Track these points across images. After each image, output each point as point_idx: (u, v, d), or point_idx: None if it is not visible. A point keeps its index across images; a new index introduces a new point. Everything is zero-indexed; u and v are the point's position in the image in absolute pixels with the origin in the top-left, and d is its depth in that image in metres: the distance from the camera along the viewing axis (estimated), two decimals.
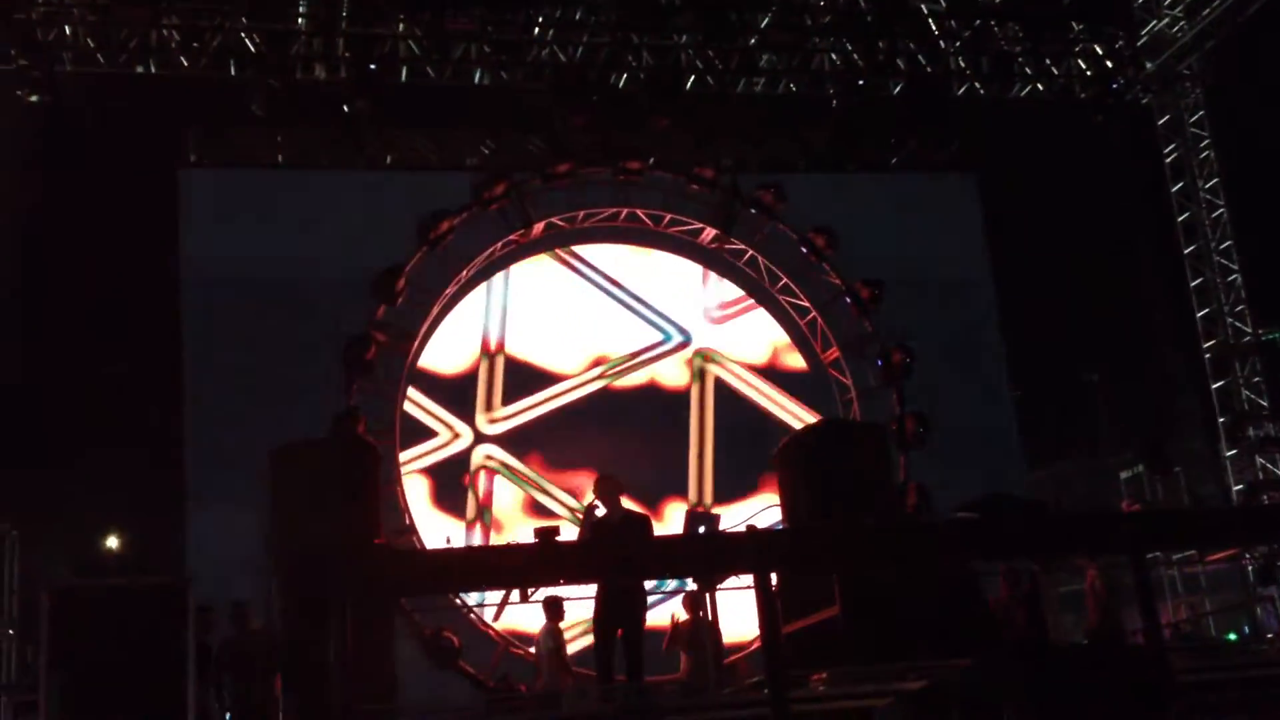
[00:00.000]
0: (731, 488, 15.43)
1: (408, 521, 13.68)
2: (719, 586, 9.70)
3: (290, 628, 8.60)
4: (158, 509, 13.82)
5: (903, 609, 9.24)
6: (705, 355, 16.12)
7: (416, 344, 14.23)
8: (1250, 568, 15.48)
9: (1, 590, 12.50)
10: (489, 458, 15.17)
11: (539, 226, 14.86)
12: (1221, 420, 17.95)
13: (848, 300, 14.88)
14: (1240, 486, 17.45)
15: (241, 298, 15.17)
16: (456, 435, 15.13)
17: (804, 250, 15.01)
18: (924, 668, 6.76)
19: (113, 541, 11.90)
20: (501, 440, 15.25)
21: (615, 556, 9.22)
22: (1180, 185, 18.72)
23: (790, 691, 7.72)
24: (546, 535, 9.50)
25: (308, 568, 8.10)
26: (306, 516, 9.08)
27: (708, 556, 8.88)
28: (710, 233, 15.37)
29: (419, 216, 13.85)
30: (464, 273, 14.74)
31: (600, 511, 9.74)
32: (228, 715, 10.02)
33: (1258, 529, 9.75)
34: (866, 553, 8.97)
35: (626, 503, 9.99)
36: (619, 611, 9.92)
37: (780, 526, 10.63)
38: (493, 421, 15.32)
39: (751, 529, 9.01)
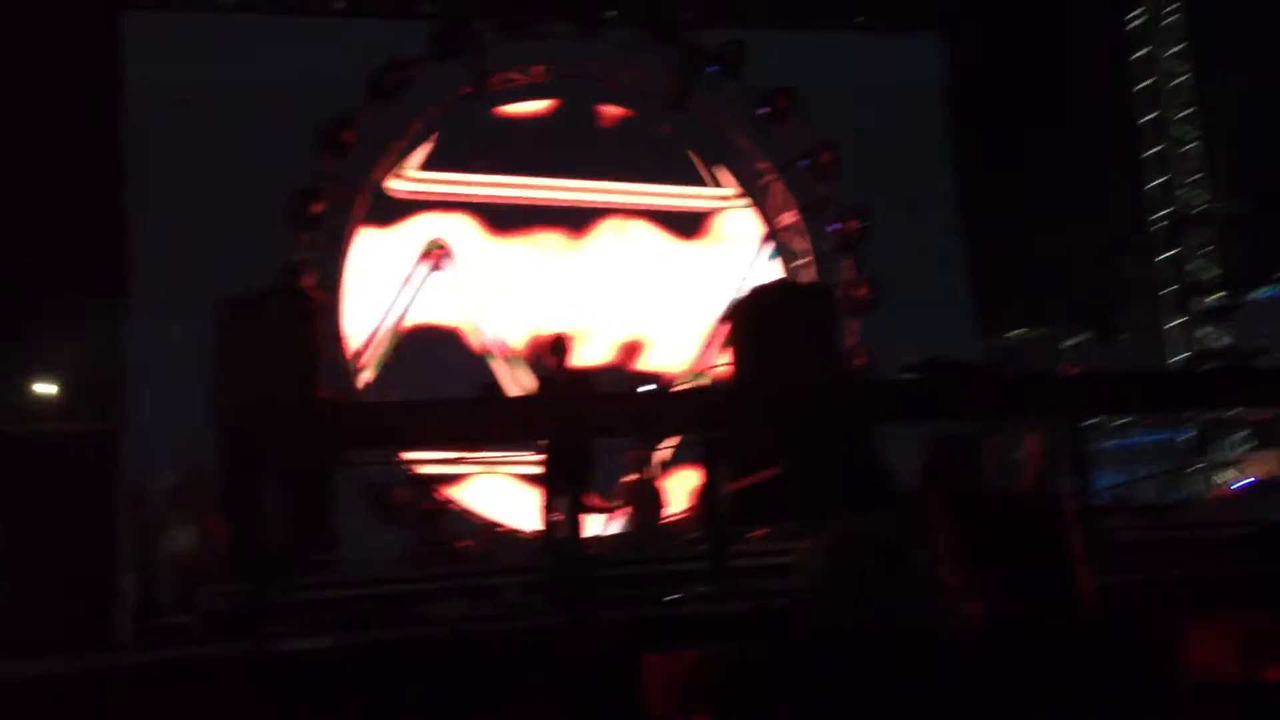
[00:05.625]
0: None
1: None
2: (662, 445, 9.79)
3: (230, 479, 8.57)
4: (98, 357, 13.62)
5: (843, 467, 9.33)
6: None
7: (364, 197, 13.99)
8: (1186, 436, 15.79)
9: None
10: None
11: (495, 79, 14.55)
12: (1170, 289, 18.10)
13: (805, 163, 14.74)
14: (1182, 356, 17.66)
15: (186, 147, 14.71)
16: None
17: (764, 111, 14.78)
18: (858, 519, 6.84)
19: (46, 388, 11.73)
20: None
21: (561, 413, 9.25)
22: (1145, 51, 18.56)
23: (728, 547, 7.85)
24: (490, 390, 9.53)
25: (245, 419, 8.05)
26: (247, 369, 8.97)
27: (652, 414, 8.94)
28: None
29: (371, 65, 13.49)
30: (416, 125, 14.43)
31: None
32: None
33: (1195, 394, 9.93)
34: (809, 412, 9.05)
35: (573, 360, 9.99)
36: (565, 471, 9.97)
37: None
38: None
39: (697, 387, 9.03)
